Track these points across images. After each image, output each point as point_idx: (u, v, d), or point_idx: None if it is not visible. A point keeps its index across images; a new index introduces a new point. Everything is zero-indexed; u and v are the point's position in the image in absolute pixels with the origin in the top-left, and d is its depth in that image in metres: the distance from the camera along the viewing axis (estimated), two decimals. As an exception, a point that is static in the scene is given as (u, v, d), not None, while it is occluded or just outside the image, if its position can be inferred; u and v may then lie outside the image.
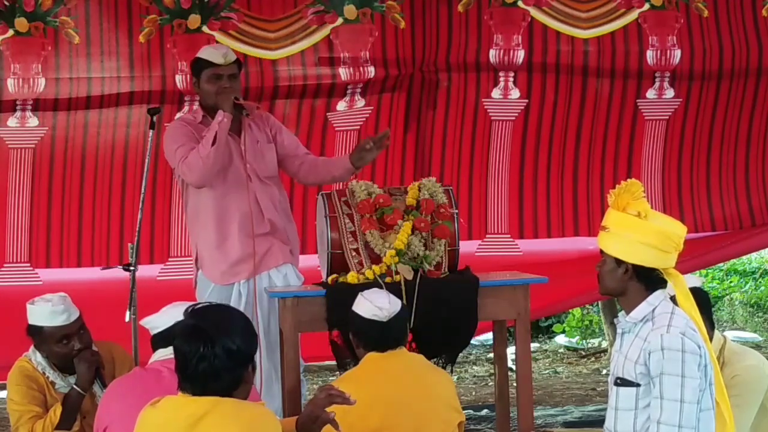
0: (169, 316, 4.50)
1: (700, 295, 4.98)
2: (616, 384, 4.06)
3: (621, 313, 4.14)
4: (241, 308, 5.56)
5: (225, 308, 3.95)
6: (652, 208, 4.15)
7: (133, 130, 6.88)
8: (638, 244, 4.01)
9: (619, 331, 4.14)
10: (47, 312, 5.10)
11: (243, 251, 5.81)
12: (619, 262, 4.05)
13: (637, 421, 3.99)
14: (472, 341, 8.21)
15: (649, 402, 3.96)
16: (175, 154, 5.79)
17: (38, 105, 6.77)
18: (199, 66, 5.86)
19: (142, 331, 4.81)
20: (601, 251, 4.12)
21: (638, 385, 3.98)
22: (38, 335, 5.14)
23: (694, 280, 5.24)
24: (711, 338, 5.09)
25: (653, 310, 4.03)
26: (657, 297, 4.06)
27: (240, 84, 5.96)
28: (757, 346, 9.93)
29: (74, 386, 5.06)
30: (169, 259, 7.05)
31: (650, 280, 4.05)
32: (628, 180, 4.08)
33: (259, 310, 5.79)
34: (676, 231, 4.05)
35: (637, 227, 4.01)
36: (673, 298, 4.10)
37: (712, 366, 4.01)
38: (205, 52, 5.90)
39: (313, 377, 9.40)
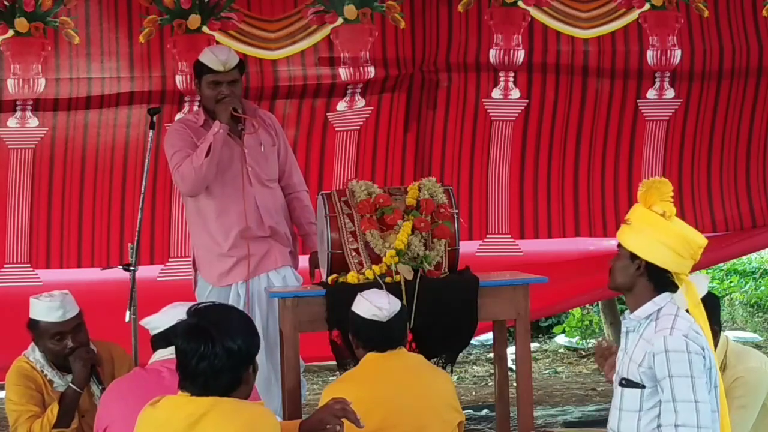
0: (169, 316, 4.50)
1: (710, 300, 4.97)
2: (621, 384, 4.05)
3: (626, 311, 4.14)
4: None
5: (227, 308, 3.95)
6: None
7: (133, 130, 6.88)
8: (657, 243, 3.99)
9: (623, 329, 4.13)
10: (44, 307, 5.12)
11: (240, 254, 5.82)
12: (633, 258, 4.04)
13: (641, 422, 3.98)
14: (472, 341, 8.19)
15: (654, 404, 3.94)
16: (171, 159, 5.81)
17: (38, 105, 6.76)
18: (200, 69, 5.84)
19: (142, 331, 4.80)
20: (619, 245, 4.10)
21: (643, 386, 3.97)
22: (35, 329, 5.17)
23: (702, 279, 5.17)
24: (717, 341, 5.08)
25: (658, 311, 4.02)
26: (664, 298, 4.04)
27: (241, 88, 5.95)
28: (757, 346, 9.92)
29: (70, 384, 5.07)
30: (170, 260, 7.05)
31: (661, 280, 4.03)
32: (660, 178, 4.06)
33: (257, 311, 5.79)
34: (697, 240, 4.03)
35: (659, 226, 4.00)
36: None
37: (716, 369, 4.00)
38: (206, 57, 5.84)
39: (313, 377, 9.39)
